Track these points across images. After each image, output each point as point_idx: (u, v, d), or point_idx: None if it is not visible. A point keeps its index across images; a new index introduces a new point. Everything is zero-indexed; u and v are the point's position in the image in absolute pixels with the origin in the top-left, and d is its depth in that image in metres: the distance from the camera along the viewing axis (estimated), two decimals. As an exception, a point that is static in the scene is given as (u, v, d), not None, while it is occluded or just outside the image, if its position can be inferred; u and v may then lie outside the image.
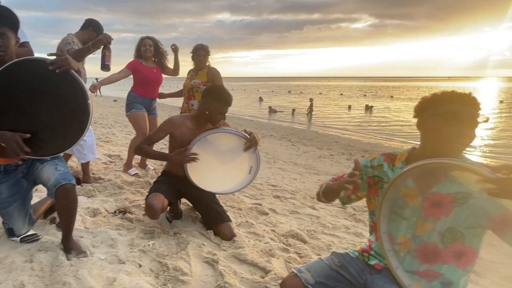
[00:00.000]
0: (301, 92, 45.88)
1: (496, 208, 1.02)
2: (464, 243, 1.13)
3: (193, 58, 3.57)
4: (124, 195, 2.93)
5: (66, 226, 1.73)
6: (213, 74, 3.47)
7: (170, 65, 3.83)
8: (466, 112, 1.12)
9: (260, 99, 29.84)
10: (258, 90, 49.15)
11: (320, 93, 43.47)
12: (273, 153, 6.90)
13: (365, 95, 37.91)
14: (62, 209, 1.69)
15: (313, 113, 18.41)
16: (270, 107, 20.15)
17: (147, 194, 2.27)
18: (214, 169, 2.28)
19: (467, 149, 1.21)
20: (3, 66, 1.57)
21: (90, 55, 2.75)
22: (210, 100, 2.21)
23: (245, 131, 2.22)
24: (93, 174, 3.55)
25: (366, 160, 1.42)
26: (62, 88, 1.62)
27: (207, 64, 3.54)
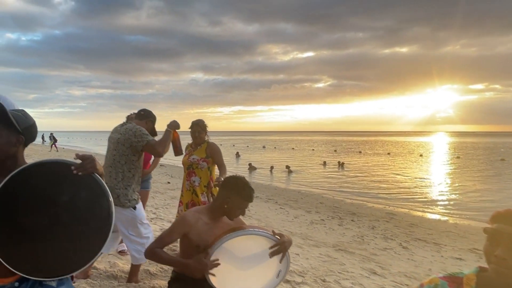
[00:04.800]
0: (275, 147, 46.79)
1: None
2: None
3: (191, 133, 3.46)
4: (124, 294, 2.51)
5: None
6: (212, 149, 3.33)
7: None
8: None
9: (237, 154, 29.91)
10: (233, 145, 49.61)
11: (293, 148, 44.55)
12: (265, 219, 6.61)
13: (335, 151, 39.31)
14: None
15: (291, 172, 18.54)
16: (250, 164, 20.09)
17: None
18: (238, 273, 2.02)
19: None
20: (10, 175, 1.32)
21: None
22: (230, 194, 1.98)
23: (273, 232, 2.00)
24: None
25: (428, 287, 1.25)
26: (81, 194, 1.37)
27: (206, 139, 3.43)
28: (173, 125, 2.70)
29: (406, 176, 17.52)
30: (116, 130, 2.58)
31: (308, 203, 9.39)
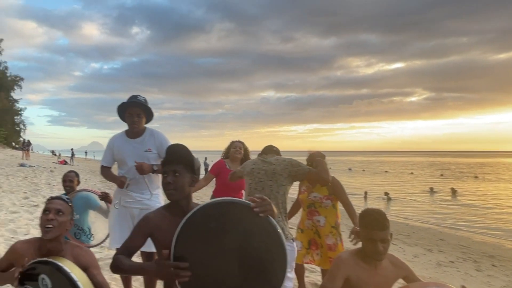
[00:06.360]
0: (363, 170, 44.42)
1: None
2: None
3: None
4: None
5: None
6: (335, 185, 3.20)
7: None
8: None
9: (321, 178, 29.25)
10: (314, 167, 48.67)
11: (386, 171, 41.62)
12: (378, 257, 6.15)
13: (442, 175, 35.32)
14: None
15: (390, 199, 17.27)
16: (339, 189, 19.39)
17: None
18: None
19: None
20: (189, 214, 1.46)
21: None
22: (359, 226, 1.92)
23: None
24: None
25: None
26: (257, 237, 1.45)
27: None
28: (321, 155, 2.82)
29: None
30: (264, 162, 2.66)
31: (425, 239, 8.50)
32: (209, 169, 3.90)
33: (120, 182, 2.63)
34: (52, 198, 1.79)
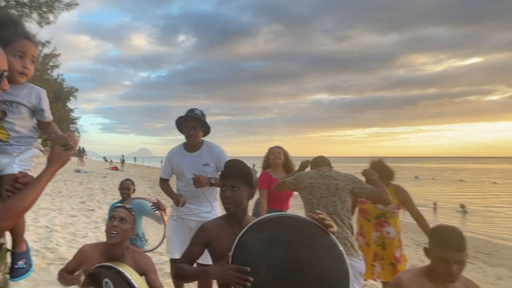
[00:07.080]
0: (432, 178, 41.67)
1: None
2: None
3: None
4: None
5: None
6: (403, 194, 3.16)
7: None
8: None
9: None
10: (375, 175, 46.67)
11: (461, 180, 38.60)
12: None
13: (534, 185, 31.83)
14: None
15: (467, 213, 16.03)
16: (403, 200, 18.41)
17: None
18: None
19: None
20: (247, 227, 1.52)
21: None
22: (430, 243, 1.83)
23: None
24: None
25: None
26: (316, 254, 1.47)
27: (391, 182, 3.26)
28: (373, 173, 2.87)
29: None
30: (323, 176, 2.70)
31: (511, 259, 7.75)
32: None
33: (176, 201, 2.83)
34: (117, 207, 2.03)
